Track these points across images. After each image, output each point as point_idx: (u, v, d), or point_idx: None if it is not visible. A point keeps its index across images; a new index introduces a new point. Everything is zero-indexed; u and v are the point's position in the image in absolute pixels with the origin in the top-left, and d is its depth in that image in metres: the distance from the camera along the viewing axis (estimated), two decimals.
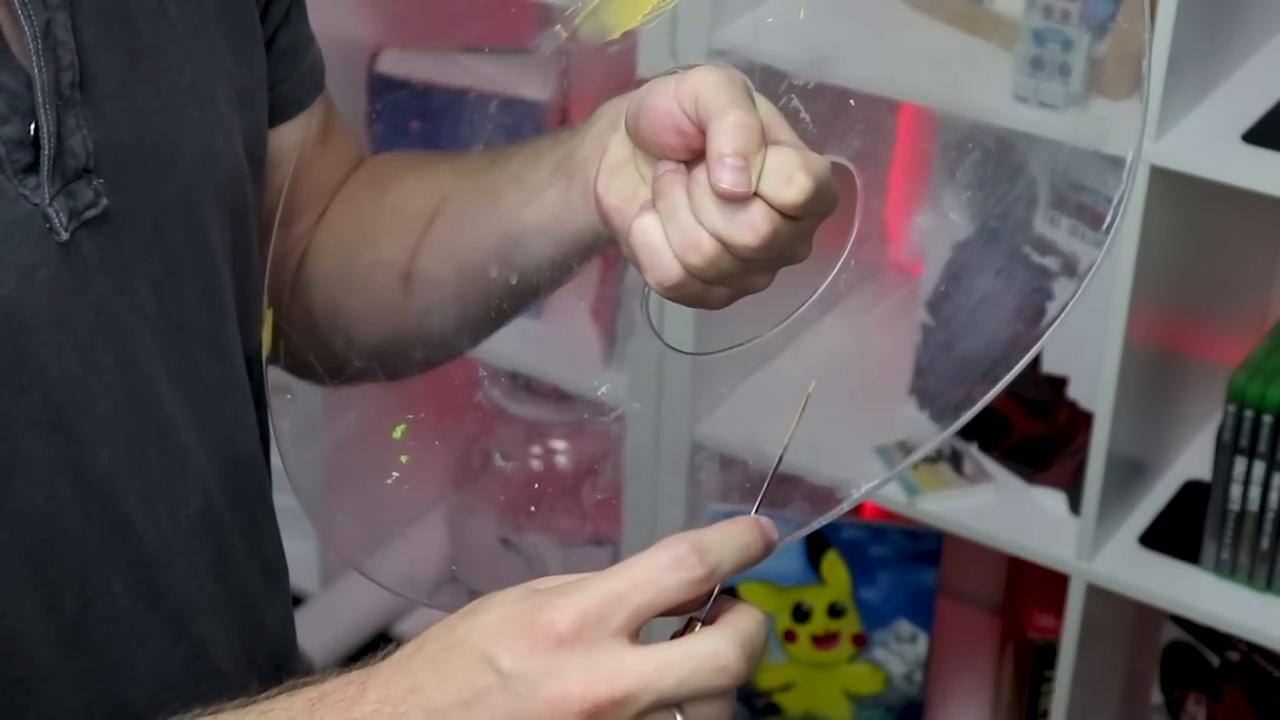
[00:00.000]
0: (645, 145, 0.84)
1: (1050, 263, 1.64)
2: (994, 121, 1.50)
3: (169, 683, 0.83)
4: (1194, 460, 1.75)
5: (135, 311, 0.81)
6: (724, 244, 0.79)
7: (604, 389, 1.86)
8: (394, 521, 2.11)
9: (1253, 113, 1.52)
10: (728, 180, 0.78)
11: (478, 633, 0.69)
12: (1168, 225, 1.53)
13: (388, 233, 0.98)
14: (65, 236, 0.77)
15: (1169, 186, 1.49)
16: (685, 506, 1.83)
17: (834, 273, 0.84)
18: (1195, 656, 1.78)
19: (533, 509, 2.07)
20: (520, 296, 0.94)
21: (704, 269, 0.80)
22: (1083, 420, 1.68)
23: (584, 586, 0.69)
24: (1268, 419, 1.56)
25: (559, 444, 2.06)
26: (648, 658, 0.68)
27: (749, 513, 0.78)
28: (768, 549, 0.72)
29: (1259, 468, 1.58)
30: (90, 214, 0.78)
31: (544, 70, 1.89)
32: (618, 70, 0.93)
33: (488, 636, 0.69)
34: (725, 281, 0.81)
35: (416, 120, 1.92)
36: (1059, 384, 1.73)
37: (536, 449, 2.05)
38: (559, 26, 0.90)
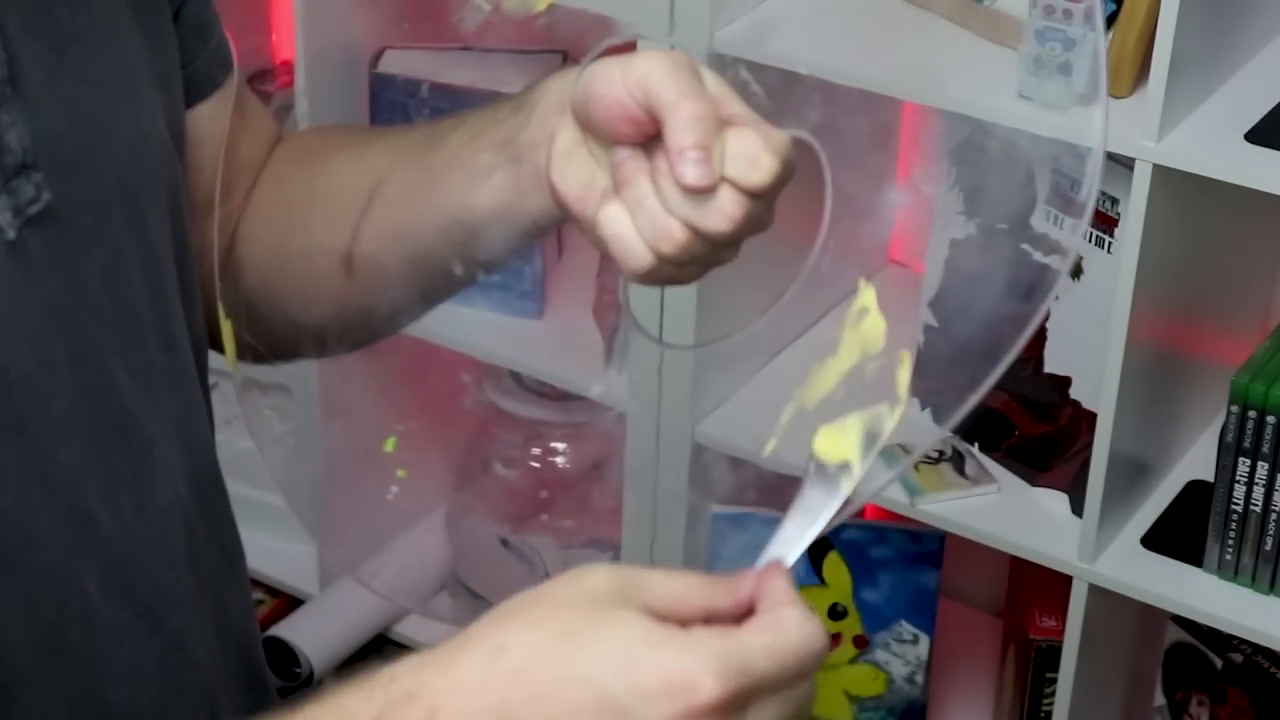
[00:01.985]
0: (597, 132, 0.83)
1: (1054, 262, 1.64)
2: (997, 120, 1.50)
3: (148, 678, 0.83)
4: (1197, 461, 1.75)
5: (85, 305, 0.80)
6: (695, 230, 0.79)
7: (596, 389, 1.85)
8: (394, 528, 2.11)
9: (1255, 112, 1.51)
10: (691, 175, 0.77)
11: (609, 673, 0.65)
12: (1170, 225, 1.53)
13: (323, 216, 0.97)
14: (12, 235, 0.76)
15: (1171, 186, 1.49)
16: (685, 507, 1.83)
17: (813, 255, 0.84)
18: (1198, 658, 1.78)
19: (532, 510, 2.07)
20: (475, 279, 0.94)
21: (676, 256, 0.80)
22: (1085, 421, 1.67)
23: (739, 650, 0.66)
24: (1271, 420, 1.56)
25: (559, 445, 2.05)
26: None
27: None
28: None
29: (1262, 469, 1.57)
30: (33, 210, 0.77)
31: (546, 71, 1.88)
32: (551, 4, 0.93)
33: (622, 682, 0.65)
34: (696, 261, 0.81)
35: (418, 121, 1.92)
36: (1061, 385, 1.72)
37: (536, 450, 2.05)
38: None
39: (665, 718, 0.64)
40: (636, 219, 0.80)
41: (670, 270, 0.81)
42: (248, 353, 1.02)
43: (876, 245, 1.81)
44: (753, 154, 0.78)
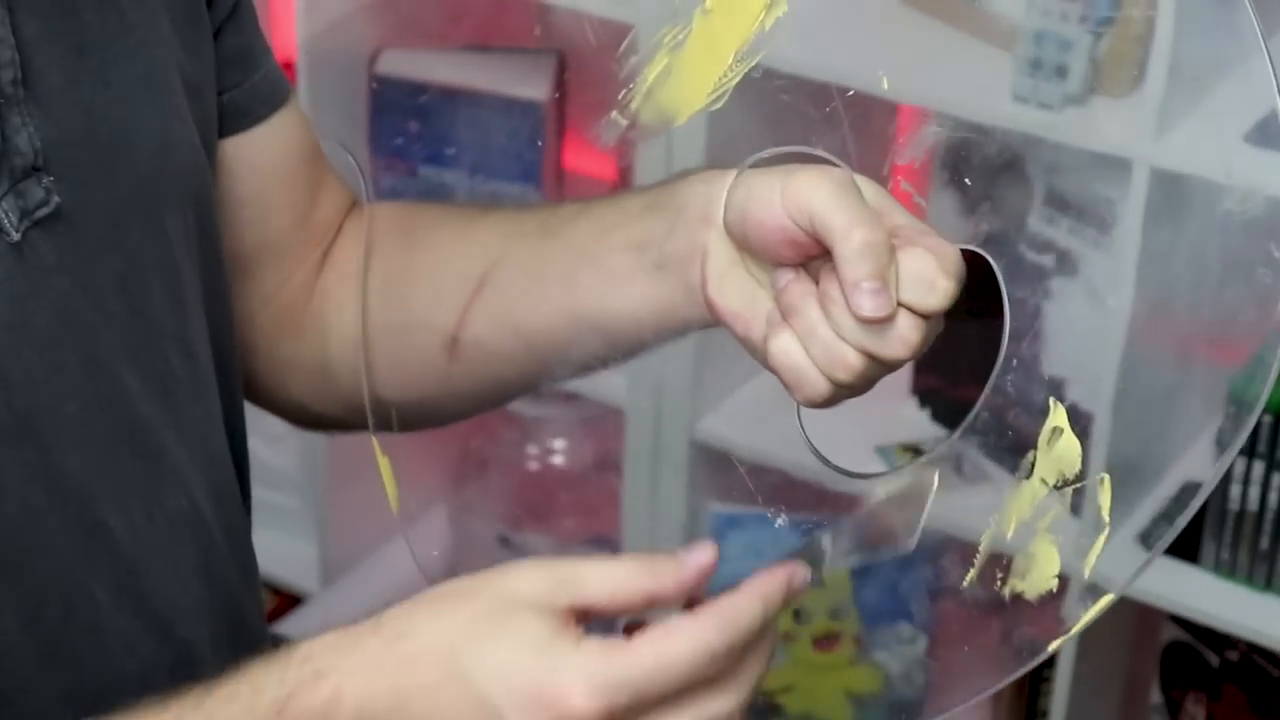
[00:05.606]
0: (756, 254, 0.81)
1: (1048, 261, 1.64)
2: (992, 122, 1.50)
3: (158, 688, 0.81)
4: (1194, 460, 1.75)
5: (97, 310, 0.80)
6: (872, 357, 0.77)
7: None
8: (395, 525, 2.11)
9: (1254, 113, 1.52)
10: (869, 307, 0.75)
11: (487, 676, 0.67)
12: (1168, 225, 1.53)
13: (426, 292, 0.94)
14: (16, 237, 0.76)
15: (1169, 187, 1.49)
16: (685, 506, 1.83)
17: (993, 377, 0.81)
18: (1195, 656, 1.78)
19: (531, 508, 2.07)
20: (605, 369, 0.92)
21: (854, 383, 0.78)
22: (1082, 422, 1.68)
23: (613, 669, 0.67)
24: (1267, 419, 1.56)
25: (558, 443, 2.06)
26: None
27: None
28: (790, 601, 0.71)
29: (1259, 468, 1.58)
30: (42, 213, 0.77)
31: (542, 70, 1.88)
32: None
33: (499, 687, 0.67)
34: (870, 380, 0.80)
35: (416, 120, 1.92)
36: (1059, 385, 1.73)
37: (535, 448, 2.05)
38: (615, 114, 0.86)
39: None
40: (809, 348, 0.78)
41: (845, 392, 0.79)
42: (312, 421, 1.00)
43: None
44: (929, 278, 0.77)
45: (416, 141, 1.92)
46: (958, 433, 0.81)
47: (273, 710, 0.68)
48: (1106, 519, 0.73)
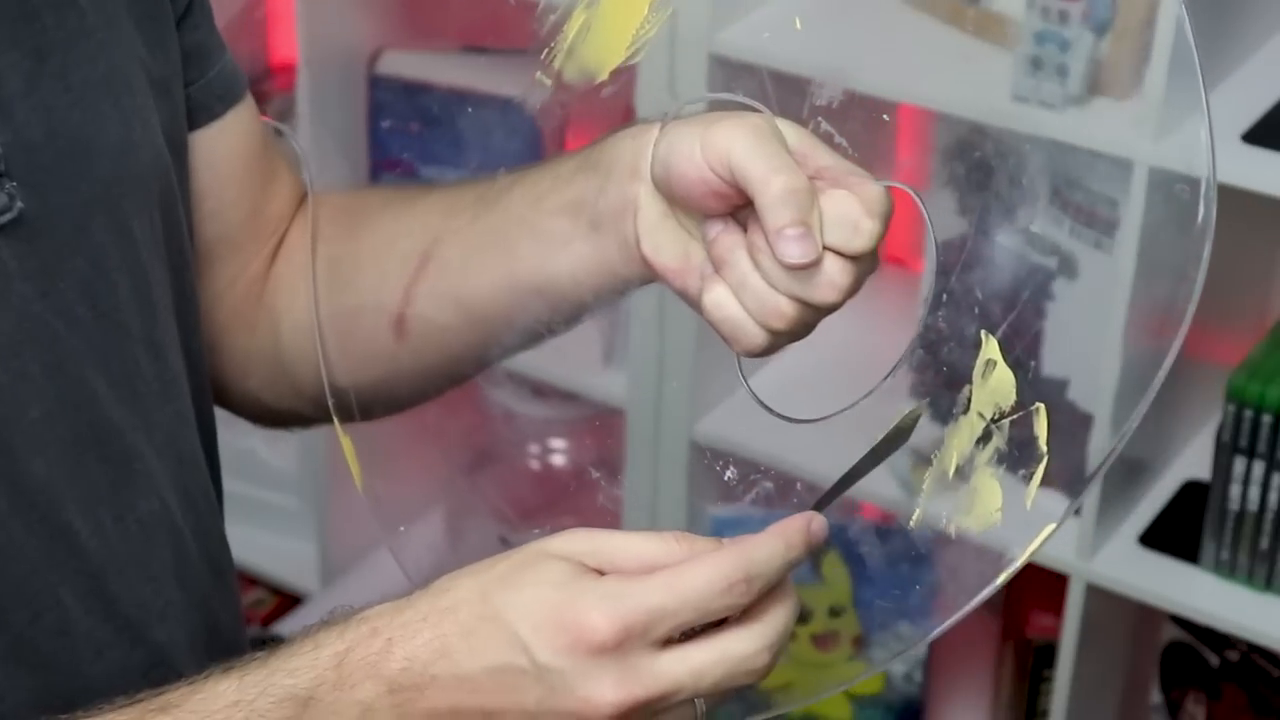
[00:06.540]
0: (682, 206, 0.81)
1: (1050, 261, 1.64)
2: (993, 121, 1.50)
3: (130, 693, 0.81)
4: (1194, 460, 1.75)
5: (61, 315, 0.79)
6: (804, 304, 0.78)
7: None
8: (396, 524, 2.11)
9: (1253, 113, 1.52)
10: (794, 253, 0.76)
11: (515, 612, 0.70)
12: (1167, 225, 1.53)
13: (371, 275, 0.95)
14: None
15: (1168, 186, 1.49)
16: (685, 507, 1.83)
17: (922, 320, 0.82)
18: (1194, 656, 1.78)
19: (532, 508, 2.07)
20: (553, 337, 0.92)
21: (789, 330, 0.78)
22: (1082, 421, 1.68)
23: (630, 594, 0.69)
24: (1267, 419, 1.56)
25: (558, 443, 2.06)
26: (683, 661, 0.70)
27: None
28: (810, 552, 0.73)
29: (1258, 467, 1.58)
30: (5, 219, 0.77)
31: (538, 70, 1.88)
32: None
33: (525, 620, 0.70)
34: (808, 324, 0.80)
35: (416, 121, 1.92)
36: (1059, 386, 1.73)
37: (535, 448, 2.05)
38: (540, 74, 0.87)
39: (559, 651, 0.69)
40: (742, 299, 0.78)
41: (784, 339, 0.80)
42: (271, 417, 1.01)
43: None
44: (853, 219, 0.76)
45: (416, 142, 1.92)
46: (897, 365, 0.85)
47: (333, 662, 0.72)
48: (1044, 449, 0.74)
